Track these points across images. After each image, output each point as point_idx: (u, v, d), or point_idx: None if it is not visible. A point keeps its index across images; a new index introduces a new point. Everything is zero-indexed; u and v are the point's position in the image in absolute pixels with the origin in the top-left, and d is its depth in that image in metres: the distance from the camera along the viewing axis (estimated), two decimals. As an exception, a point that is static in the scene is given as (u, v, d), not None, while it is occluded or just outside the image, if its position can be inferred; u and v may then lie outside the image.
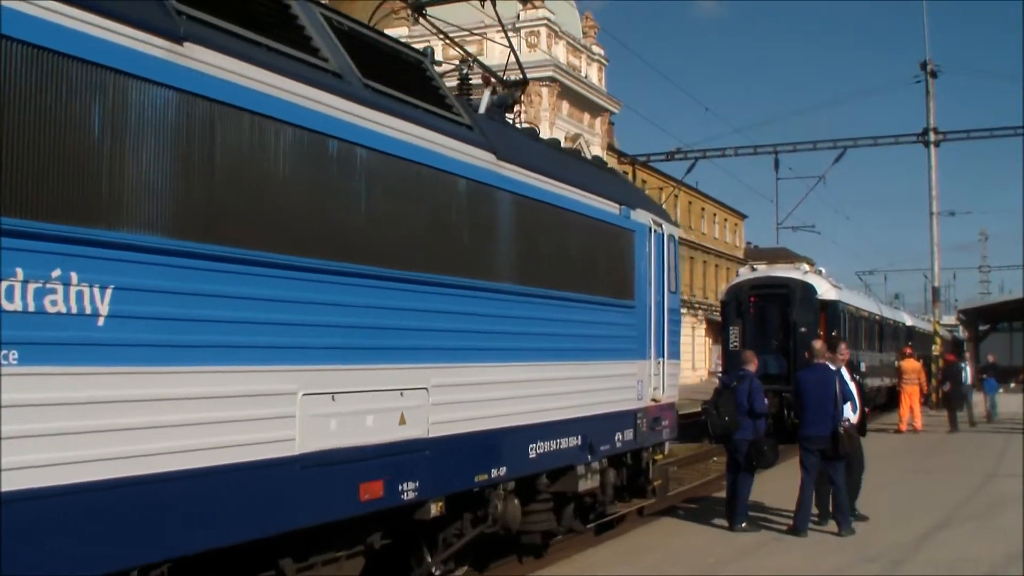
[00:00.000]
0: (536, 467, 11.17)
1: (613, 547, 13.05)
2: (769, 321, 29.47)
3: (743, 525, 13.62)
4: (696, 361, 79.88)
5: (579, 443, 12.00)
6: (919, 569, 11.28)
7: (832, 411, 13.10)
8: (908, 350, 32.44)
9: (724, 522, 14.04)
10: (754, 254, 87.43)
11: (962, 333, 68.08)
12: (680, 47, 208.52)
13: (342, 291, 7.93)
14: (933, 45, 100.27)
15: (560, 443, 11.54)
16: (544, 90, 52.88)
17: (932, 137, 41.65)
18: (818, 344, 14.33)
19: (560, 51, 54.83)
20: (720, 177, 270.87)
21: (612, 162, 62.69)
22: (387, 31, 50.97)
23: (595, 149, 59.49)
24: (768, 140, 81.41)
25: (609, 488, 13.46)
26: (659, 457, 15.65)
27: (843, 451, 13.19)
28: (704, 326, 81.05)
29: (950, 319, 73.23)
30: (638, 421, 13.84)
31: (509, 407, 10.49)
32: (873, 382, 35.11)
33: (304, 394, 7.49)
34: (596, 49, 60.58)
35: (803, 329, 28.25)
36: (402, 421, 8.72)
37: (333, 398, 7.82)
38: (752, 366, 14.02)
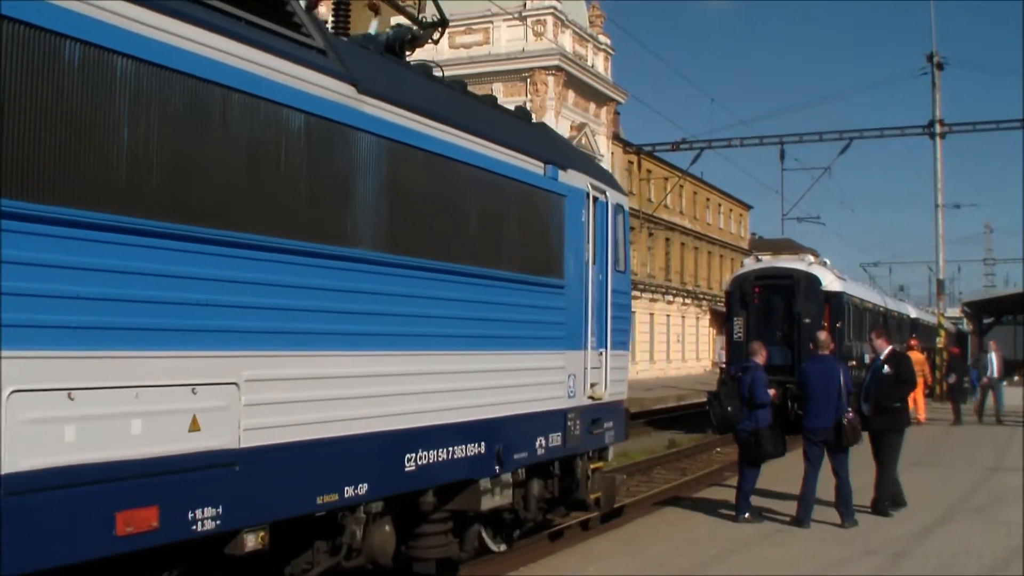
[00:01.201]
0: (417, 483, 9.14)
1: (615, 536, 13.12)
2: (773, 312, 29.44)
3: (746, 516, 13.65)
4: (700, 352, 79.96)
5: (482, 451, 10.03)
6: (921, 562, 11.31)
7: (836, 402, 13.13)
8: (913, 342, 32.43)
9: (730, 512, 14.10)
10: (759, 245, 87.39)
11: (966, 326, 68.00)
12: (686, 38, 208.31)
13: (87, 249, 5.94)
14: (939, 39, 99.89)
15: (453, 452, 9.59)
16: (550, 79, 52.80)
17: (938, 129, 41.66)
18: (823, 335, 14.35)
19: (566, 40, 54.73)
20: (725, 168, 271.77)
21: (618, 152, 62.80)
22: (392, 19, 50.50)
23: (600, 139, 59.49)
24: (774, 131, 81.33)
25: (532, 502, 11.72)
26: (600, 465, 13.42)
27: (846, 443, 13.22)
28: (708, 317, 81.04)
29: (954, 312, 73.26)
30: (569, 423, 11.88)
31: (372, 408, 8.41)
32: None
33: (13, 392, 5.51)
34: (602, 39, 60.46)
35: (807, 320, 28.22)
36: (194, 427, 6.70)
37: (70, 396, 5.84)
38: (759, 357, 14.01)
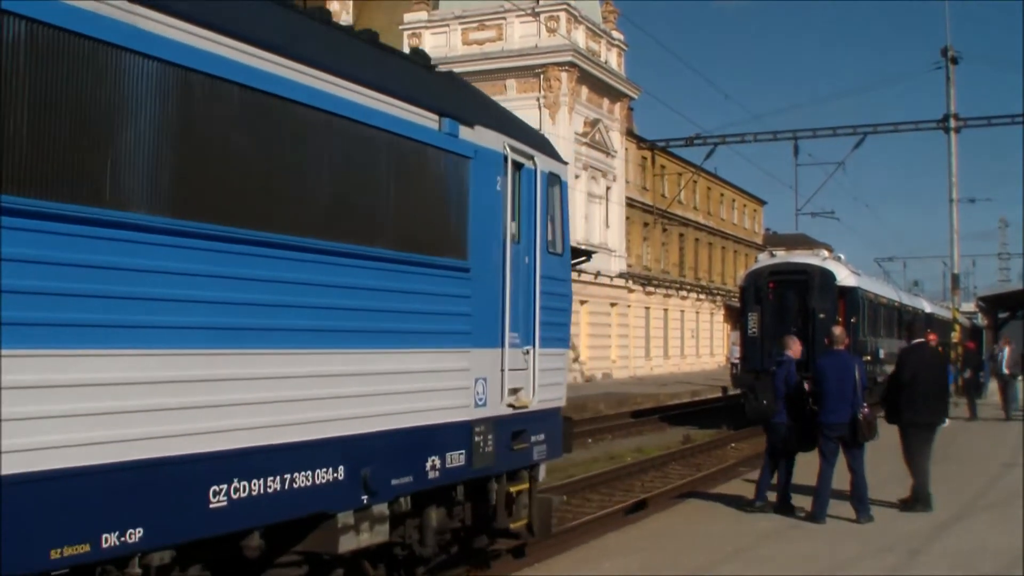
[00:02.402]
0: (229, 523, 6.96)
1: (634, 531, 13.13)
2: (788, 307, 29.45)
3: (758, 504, 13.83)
4: (715, 347, 79.90)
5: (339, 477, 7.98)
6: (936, 559, 11.29)
7: (852, 398, 13.11)
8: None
9: (747, 506, 14.14)
10: (773, 240, 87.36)
11: (981, 321, 67.78)
12: (700, 34, 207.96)
13: None
14: (953, 33, 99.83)
15: (292, 479, 7.47)
16: (563, 75, 52.79)
17: (952, 124, 41.54)
18: (837, 330, 14.33)
19: (580, 36, 54.70)
20: (739, 163, 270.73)
21: (632, 147, 62.75)
22: (406, 15, 50.20)
23: (614, 135, 59.45)
24: (788, 126, 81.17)
25: (430, 536, 9.80)
26: (523, 487, 11.28)
27: (862, 438, 13.21)
28: (722, 312, 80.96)
29: (969, 306, 73.00)
30: (477, 438, 9.89)
31: (143, 426, 6.29)
32: (892, 369, 35.00)
33: None
34: (616, 34, 60.41)
35: (822, 315, 28.22)
36: None
37: None
38: (792, 352, 14.10)
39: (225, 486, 6.84)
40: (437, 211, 9.44)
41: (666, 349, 70.35)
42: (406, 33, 55.73)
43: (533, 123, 52.05)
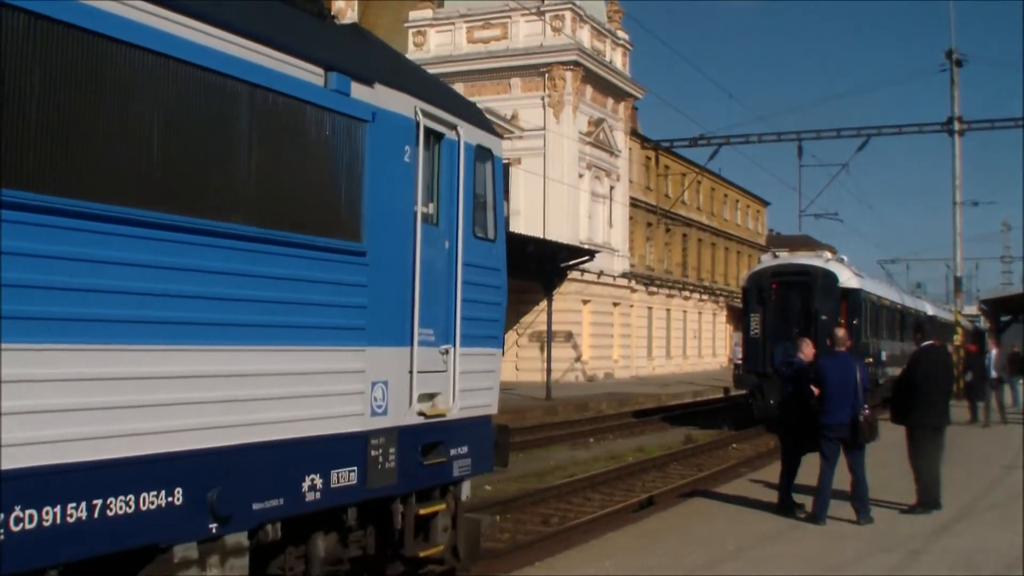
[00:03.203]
0: (17, 561, 5.56)
1: (635, 530, 13.15)
2: (790, 309, 29.46)
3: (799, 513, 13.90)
4: (717, 348, 79.91)
5: (176, 501, 6.59)
6: (937, 559, 11.32)
7: (853, 399, 13.14)
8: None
9: (747, 506, 14.17)
10: (776, 241, 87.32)
11: (984, 323, 67.80)
12: (705, 34, 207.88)
13: None
14: (958, 35, 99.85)
15: (106, 506, 6.09)
16: (568, 74, 52.81)
17: (956, 126, 41.57)
18: (840, 332, 14.37)
19: (584, 35, 54.72)
20: (743, 164, 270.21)
21: (636, 147, 62.77)
22: (411, 13, 50.19)
23: (618, 134, 59.47)
24: (792, 127, 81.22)
25: (316, 568, 8.53)
26: (439, 508, 9.80)
27: (863, 439, 13.24)
28: (725, 313, 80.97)
29: (972, 309, 73.04)
30: (374, 452, 8.49)
31: None
32: (894, 371, 35.05)
33: None
34: (620, 34, 60.43)
35: (824, 317, 28.23)
36: None
37: None
38: (803, 354, 14.16)
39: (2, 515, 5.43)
40: (319, 183, 7.90)
41: (668, 349, 70.34)
42: (411, 31, 55.79)
43: (537, 122, 52.51)
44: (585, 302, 54.19)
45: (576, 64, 52.96)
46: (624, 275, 59.79)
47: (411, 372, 9.01)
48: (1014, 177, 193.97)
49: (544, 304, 42.80)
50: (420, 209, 9.09)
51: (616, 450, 25.74)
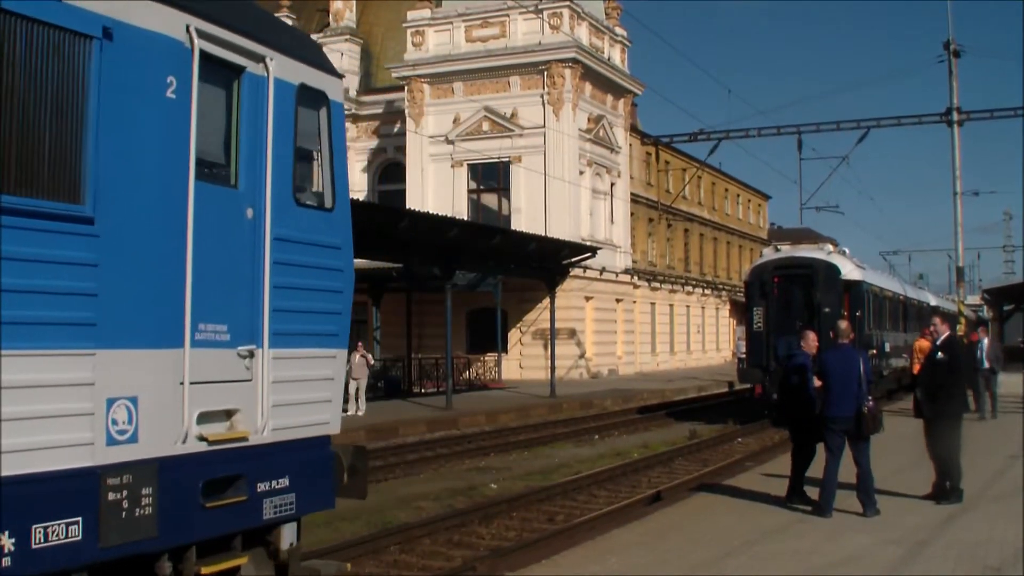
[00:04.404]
0: None
1: (640, 527, 13.14)
2: (793, 302, 29.43)
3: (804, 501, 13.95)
4: (720, 342, 79.93)
5: None
6: (943, 551, 11.31)
7: (857, 391, 13.15)
8: (927, 331, 32.20)
9: (753, 500, 14.20)
10: (778, 235, 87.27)
11: (987, 313, 67.85)
12: (703, 29, 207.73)
13: None
14: (956, 26, 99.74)
15: None
16: (567, 71, 52.78)
17: (955, 117, 41.64)
18: (843, 324, 14.37)
19: (583, 32, 54.71)
20: (743, 158, 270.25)
21: (636, 143, 62.78)
22: (409, 13, 50.24)
23: (618, 131, 59.45)
24: (791, 121, 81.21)
25: None
26: (234, 563, 7.50)
27: (867, 431, 13.25)
28: (728, 307, 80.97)
29: (975, 299, 73.03)
30: (113, 495, 6.25)
31: None
32: (897, 362, 35.09)
33: None
34: (619, 31, 60.42)
35: (827, 310, 28.20)
36: None
37: None
38: (807, 346, 14.18)
39: None
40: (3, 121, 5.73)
41: (672, 345, 70.35)
42: (409, 31, 55.79)
43: (537, 120, 52.55)
44: (588, 299, 54.19)
45: (575, 61, 52.95)
46: (626, 271, 59.79)
47: (183, 383, 6.81)
48: (1015, 166, 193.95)
49: (547, 302, 42.85)
50: (193, 163, 6.88)
51: (621, 447, 25.76)
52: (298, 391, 7.99)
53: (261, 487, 7.53)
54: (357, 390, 31.63)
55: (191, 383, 6.87)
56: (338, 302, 8.53)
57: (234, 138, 7.45)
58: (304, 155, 8.22)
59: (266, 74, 7.67)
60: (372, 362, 34.26)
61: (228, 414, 7.36)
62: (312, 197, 8.33)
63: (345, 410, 31.16)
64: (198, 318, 6.96)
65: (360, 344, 33.60)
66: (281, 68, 7.81)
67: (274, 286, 7.65)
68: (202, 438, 6.98)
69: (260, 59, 7.62)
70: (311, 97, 8.21)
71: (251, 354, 7.48)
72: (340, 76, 8.84)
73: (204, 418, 7.03)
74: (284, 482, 7.78)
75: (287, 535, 7.99)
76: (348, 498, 8.79)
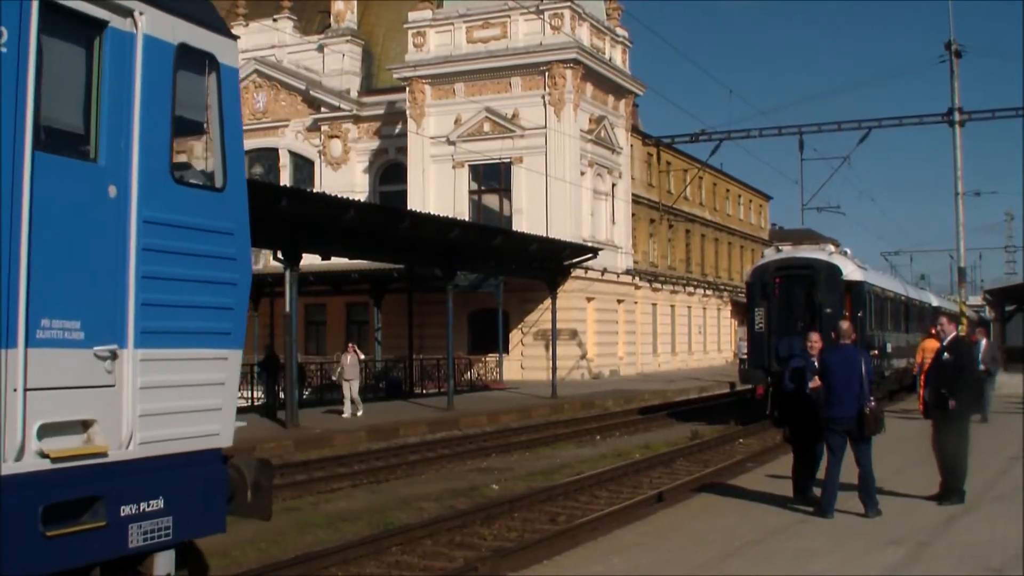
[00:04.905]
0: None
1: (643, 527, 13.15)
2: (794, 302, 29.42)
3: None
4: (722, 343, 79.90)
5: None
6: (945, 551, 11.31)
7: (858, 391, 13.14)
8: (933, 330, 32.17)
9: (755, 501, 14.19)
10: (779, 235, 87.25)
11: (988, 314, 67.79)
12: (704, 30, 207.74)
13: None
14: (958, 26, 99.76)
15: None
16: (568, 72, 52.77)
17: (957, 117, 41.64)
18: (844, 325, 14.36)
19: (584, 33, 54.71)
20: (744, 159, 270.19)
21: (637, 144, 62.79)
22: (410, 14, 50.30)
23: (619, 131, 59.45)
24: (793, 121, 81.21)
25: None
26: None
27: (869, 432, 13.24)
28: (729, 308, 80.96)
29: (976, 300, 73.00)
30: None
31: None
32: (899, 363, 35.07)
33: None
34: (620, 31, 60.41)
35: (828, 310, 28.17)
36: None
37: None
38: (811, 347, 14.16)
39: None
40: None
41: (673, 345, 70.34)
42: (411, 32, 55.79)
43: (538, 121, 52.63)
44: (589, 300, 54.19)
45: (576, 62, 52.95)
46: (628, 272, 59.79)
47: (18, 389, 5.82)
48: (1016, 166, 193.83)
49: (548, 302, 42.85)
50: (30, 128, 5.90)
51: (622, 447, 25.75)
52: (176, 398, 6.98)
53: (126, 511, 6.49)
54: (351, 391, 31.56)
55: (29, 389, 5.84)
56: (230, 295, 7.46)
57: (94, 105, 6.46)
58: (186, 127, 7.22)
59: (135, 31, 6.65)
60: (363, 357, 33.99)
61: (84, 425, 6.32)
62: (197, 175, 7.38)
63: (340, 412, 31.17)
64: (40, 313, 5.94)
65: (350, 344, 33.56)
66: (155, 24, 6.79)
67: (143, 276, 6.63)
68: (43, 454, 5.95)
69: (127, 13, 6.60)
70: (195, 60, 7.16)
71: (113, 355, 6.49)
72: (234, 38, 7.80)
73: (49, 431, 6.00)
74: (157, 504, 6.75)
75: (162, 565, 6.91)
76: (249, 518, 7.95)
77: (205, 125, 7.37)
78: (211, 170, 7.40)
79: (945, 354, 14.44)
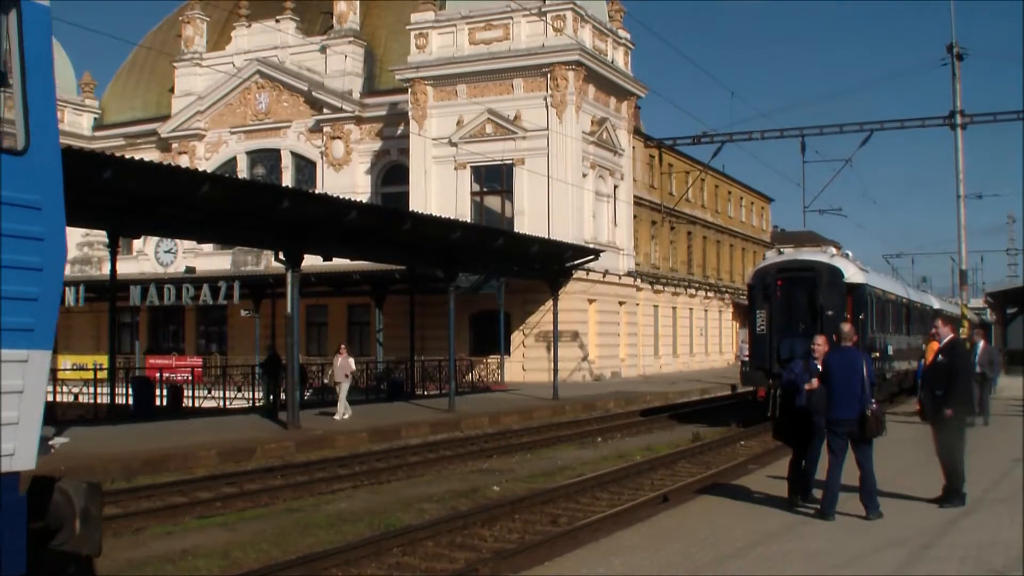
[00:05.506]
0: None
1: (644, 528, 13.15)
2: (796, 304, 29.40)
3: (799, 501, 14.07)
4: (724, 345, 79.91)
5: None
6: (947, 553, 11.31)
7: (859, 393, 13.15)
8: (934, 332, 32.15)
9: (756, 503, 14.19)
10: (781, 238, 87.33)
11: (990, 316, 67.77)
12: (706, 32, 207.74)
13: None
14: (960, 28, 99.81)
15: None
16: (570, 74, 52.78)
17: (959, 120, 41.62)
18: (846, 327, 14.36)
19: (586, 35, 54.72)
20: (746, 161, 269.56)
21: (639, 146, 62.80)
22: (413, 15, 50.26)
23: (621, 133, 59.46)
24: (795, 123, 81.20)
25: None
26: None
27: (870, 434, 13.25)
28: (731, 310, 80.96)
29: (978, 302, 72.97)
30: None
31: None
32: (900, 365, 35.05)
33: None
34: (622, 33, 60.39)
35: (830, 312, 28.16)
36: None
37: None
38: (817, 350, 14.17)
39: None
40: None
41: (675, 347, 70.33)
42: (413, 33, 55.79)
43: (540, 122, 52.67)
44: (591, 301, 54.19)
45: (578, 64, 52.96)
46: (629, 274, 59.79)
47: None
48: (1018, 169, 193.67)
49: (550, 304, 42.88)
50: None
51: (624, 449, 25.73)
52: None
53: None
54: (341, 393, 31.37)
55: None
56: (33, 283, 6.05)
57: None
58: None
59: None
60: (354, 367, 33.68)
61: None
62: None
63: (332, 414, 31.08)
64: None
65: (342, 345, 33.47)
66: None
67: None
68: None
69: None
70: None
71: None
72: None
73: None
74: None
75: None
76: (75, 551, 6.68)
77: (6, 74, 6.06)
78: (12, 131, 6.02)
79: (939, 356, 14.46)
